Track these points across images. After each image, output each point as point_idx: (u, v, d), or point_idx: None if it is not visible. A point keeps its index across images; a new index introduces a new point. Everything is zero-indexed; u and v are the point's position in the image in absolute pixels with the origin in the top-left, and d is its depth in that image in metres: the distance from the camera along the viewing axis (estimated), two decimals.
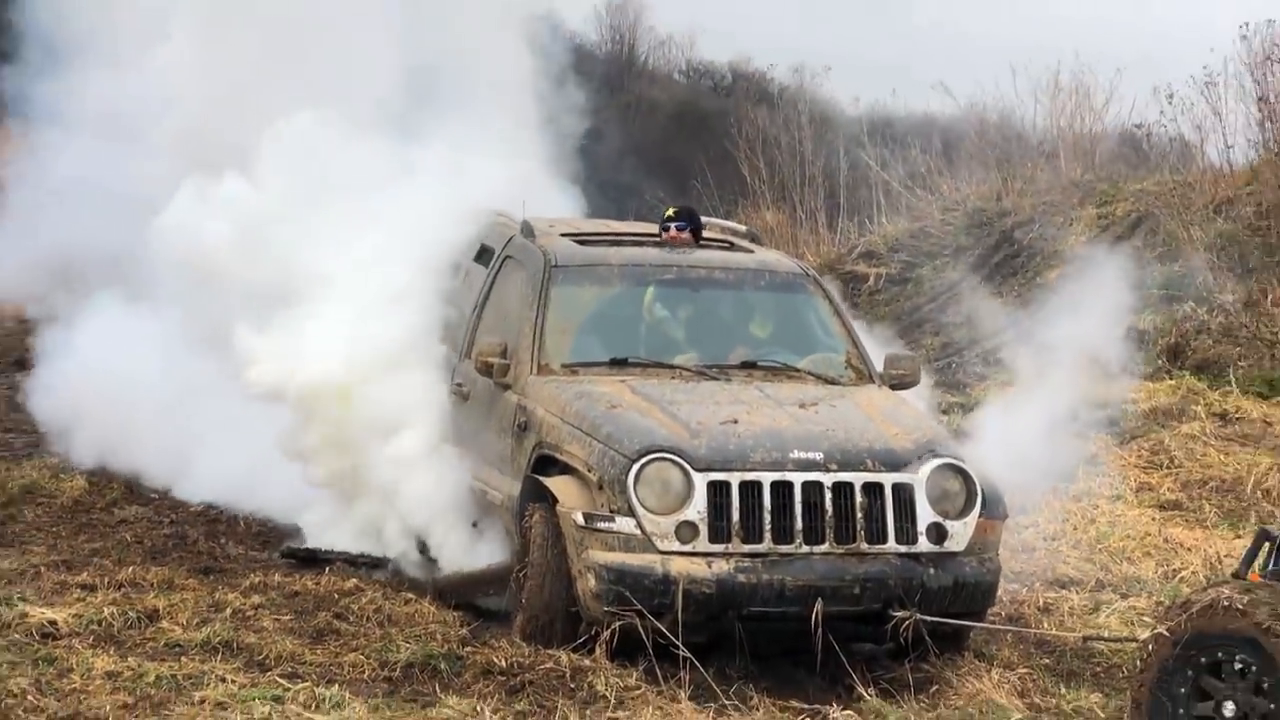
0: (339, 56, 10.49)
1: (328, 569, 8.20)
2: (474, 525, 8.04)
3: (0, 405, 13.26)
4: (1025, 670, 6.77)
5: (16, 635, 6.43)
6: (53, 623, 6.63)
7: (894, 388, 7.67)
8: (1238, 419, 11.72)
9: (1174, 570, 8.60)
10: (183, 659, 6.29)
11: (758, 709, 6.02)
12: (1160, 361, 12.35)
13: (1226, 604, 5.57)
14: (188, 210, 9.02)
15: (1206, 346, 12.61)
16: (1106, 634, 7.30)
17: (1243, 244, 13.32)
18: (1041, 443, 9.09)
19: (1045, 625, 7.58)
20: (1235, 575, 6.06)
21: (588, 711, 5.89)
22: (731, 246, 8.54)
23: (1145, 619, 7.19)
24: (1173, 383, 12.15)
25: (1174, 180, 14.25)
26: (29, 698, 5.61)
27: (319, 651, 6.64)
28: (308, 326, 8.31)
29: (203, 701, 5.71)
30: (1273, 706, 5.28)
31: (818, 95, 15.81)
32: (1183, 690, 5.52)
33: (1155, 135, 15.83)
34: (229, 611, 7.16)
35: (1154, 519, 9.66)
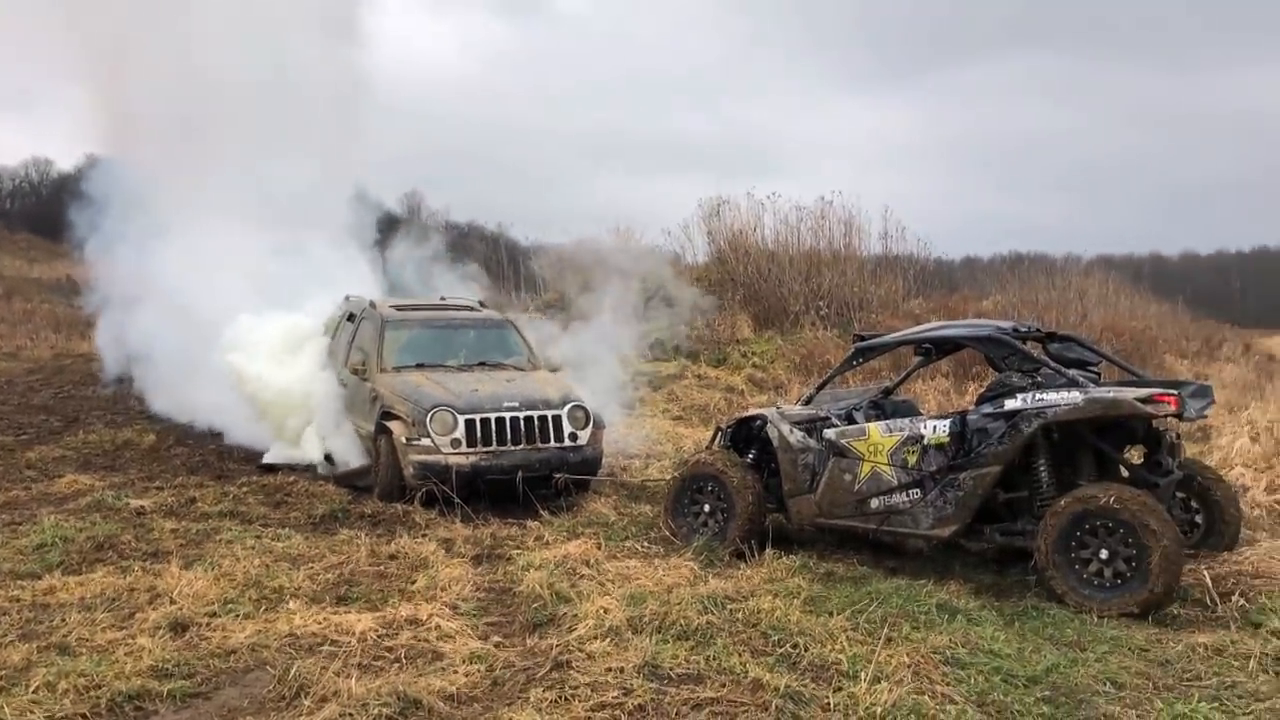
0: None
1: (280, 472, 10.79)
2: (326, 458, 10.99)
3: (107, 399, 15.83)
4: (617, 498, 9.83)
5: (125, 514, 8.95)
6: (142, 507, 9.16)
7: (550, 371, 10.81)
8: (705, 377, 16.27)
9: (680, 448, 12.01)
10: (209, 521, 8.84)
11: (493, 523, 8.85)
12: (671, 352, 17.78)
13: (703, 460, 8.33)
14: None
15: (691, 344, 17.52)
16: (653, 478, 10.45)
17: (703, 300, 19.60)
18: (618, 393, 12.70)
19: (625, 475, 10.66)
20: (706, 448, 9.04)
21: (412, 531, 8.53)
22: (473, 308, 11.72)
23: (669, 470, 10.28)
24: (676, 362, 17.29)
25: (676, 268, 21.30)
26: (133, 542, 8.03)
27: (278, 513, 9.31)
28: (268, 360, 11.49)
29: (221, 540, 8.13)
30: (724, 504, 8.01)
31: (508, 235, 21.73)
32: (686, 500, 8.32)
33: (664, 248, 22.90)
34: (232, 496, 9.71)
35: (671, 425, 13.33)
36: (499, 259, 19.00)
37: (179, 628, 6.02)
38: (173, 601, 6.45)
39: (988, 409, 7.08)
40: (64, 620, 6.10)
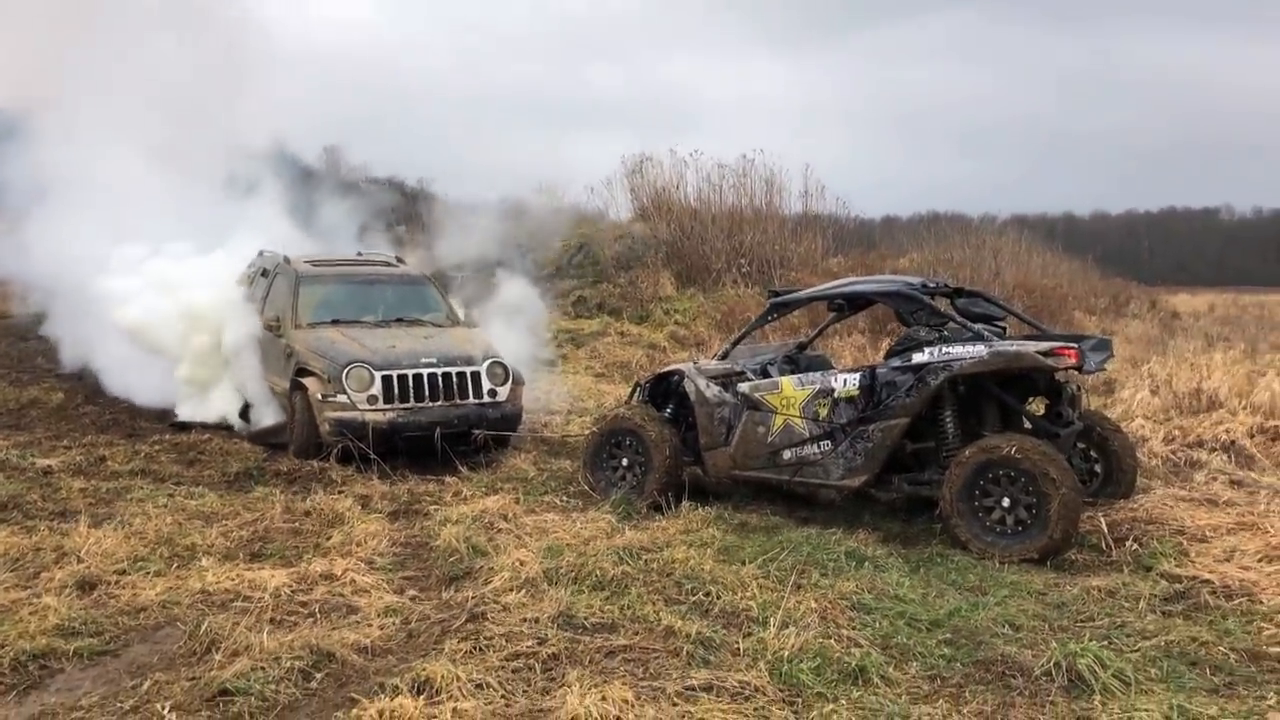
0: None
1: (193, 430, 10.69)
2: (240, 415, 10.93)
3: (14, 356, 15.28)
4: (537, 453, 9.88)
5: (30, 474, 8.73)
6: (49, 466, 8.96)
7: (469, 328, 10.71)
8: (627, 334, 16.41)
9: (602, 404, 12.06)
10: (119, 479, 8.70)
11: (411, 479, 8.82)
12: (593, 310, 17.89)
13: (621, 415, 8.38)
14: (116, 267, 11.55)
15: (614, 301, 17.69)
16: (573, 434, 10.47)
17: (626, 257, 20.05)
18: (539, 350, 12.81)
19: (545, 431, 10.70)
20: (625, 403, 9.14)
21: (328, 488, 8.45)
22: (391, 264, 11.59)
23: (588, 425, 10.22)
24: (599, 319, 17.36)
25: (596, 227, 21.72)
26: (39, 502, 7.85)
27: (191, 471, 9.17)
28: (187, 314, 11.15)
29: (132, 499, 8.02)
30: (641, 458, 8.04)
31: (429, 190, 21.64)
32: (605, 455, 8.37)
33: (583, 208, 23.33)
34: (143, 454, 9.57)
35: (593, 381, 13.48)
36: (419, 215, 18.77)
37: (86, 586, 5.93)
38: (80, 560, 6.34)
39: (896, 363, 7.24)
40: None
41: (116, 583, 6.01)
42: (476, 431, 9.53)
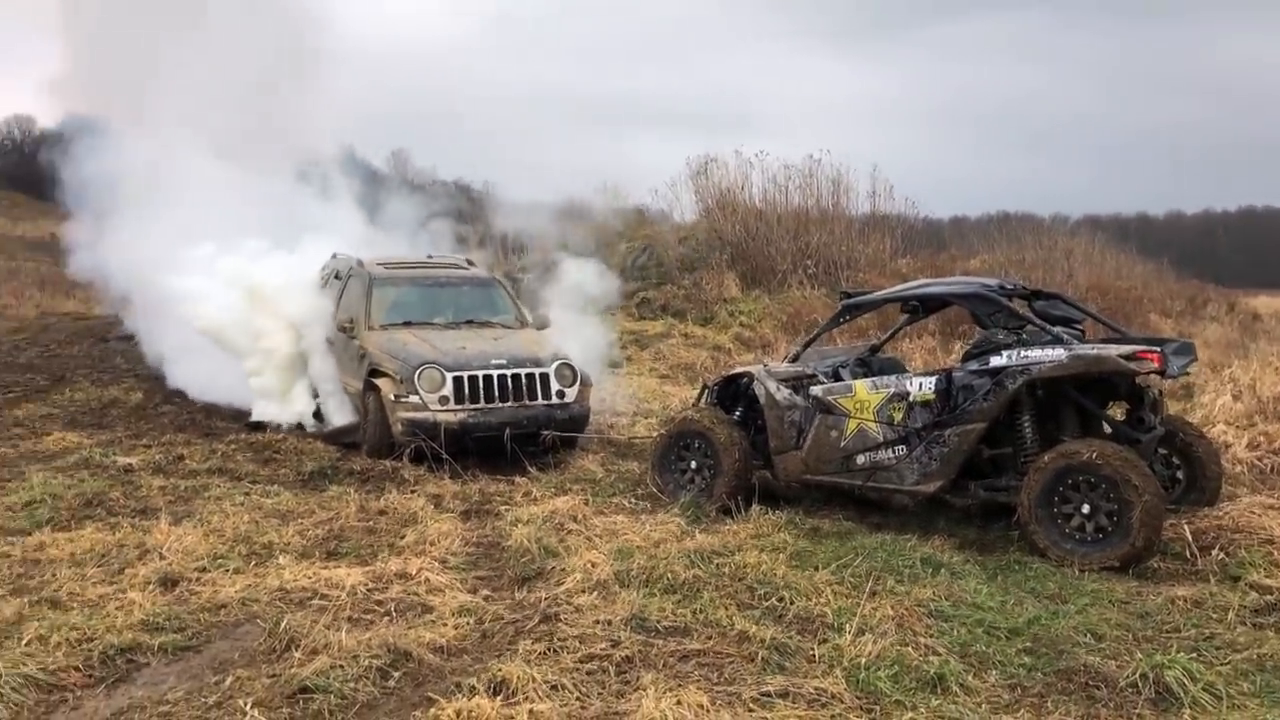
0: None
1: (268, 430, 10.86)
2: (314, 415, 11.13)
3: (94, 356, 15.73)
4: (604, 454, 9.90)
5: (112, 471, 8.98)
6: (129, 465, 9.19)
7: (538, 329, 10.78)
8: (691, 336, 16.30)
9: (667, 405, 12.05)
10: (197, 478, 8.89)
11: (482, 479, 8.86)
12: (658, 311, 17.88)
13: (690, 418, 8.36)
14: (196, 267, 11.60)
15: (678, 303, 17.54)
16: (640, 435, 10.46)
17: (691, 259, 20.11)
18: (606, 350, 12.71)
19: (612, 432, 10.74)
20: (693, 405, 9.05)
21: (401, 487, 8.52)
22: (461, 266, 11.71)
23: (655, 427, 10.34)
24: (663, 321, 17.39)
25: (660, 228, 21.90)
26: (121, 499, 8.06)
27: (266, 470, 9.32)
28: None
29: (209, 497, 8.19)
30: (710, 461, 8.03)
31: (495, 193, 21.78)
32: (673, 457, 8.33)
33: (650, 210, 23.79)
34: (219, 453, 9.75)
35: (658, 383, 13.47)
36: (485, 217, 18.97)
37: (169, 583, 6.04)
38: (162, 557, 6.47)
39: (973, 366, 7.14)
40: (55, 575, 6.14)
41: (197, 579, 6.12)
42: (545, 432, 9.57)
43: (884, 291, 8.69)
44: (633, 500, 8.24)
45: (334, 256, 11.98)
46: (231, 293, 11.21)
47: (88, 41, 15.47)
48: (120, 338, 16.20)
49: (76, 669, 4.83)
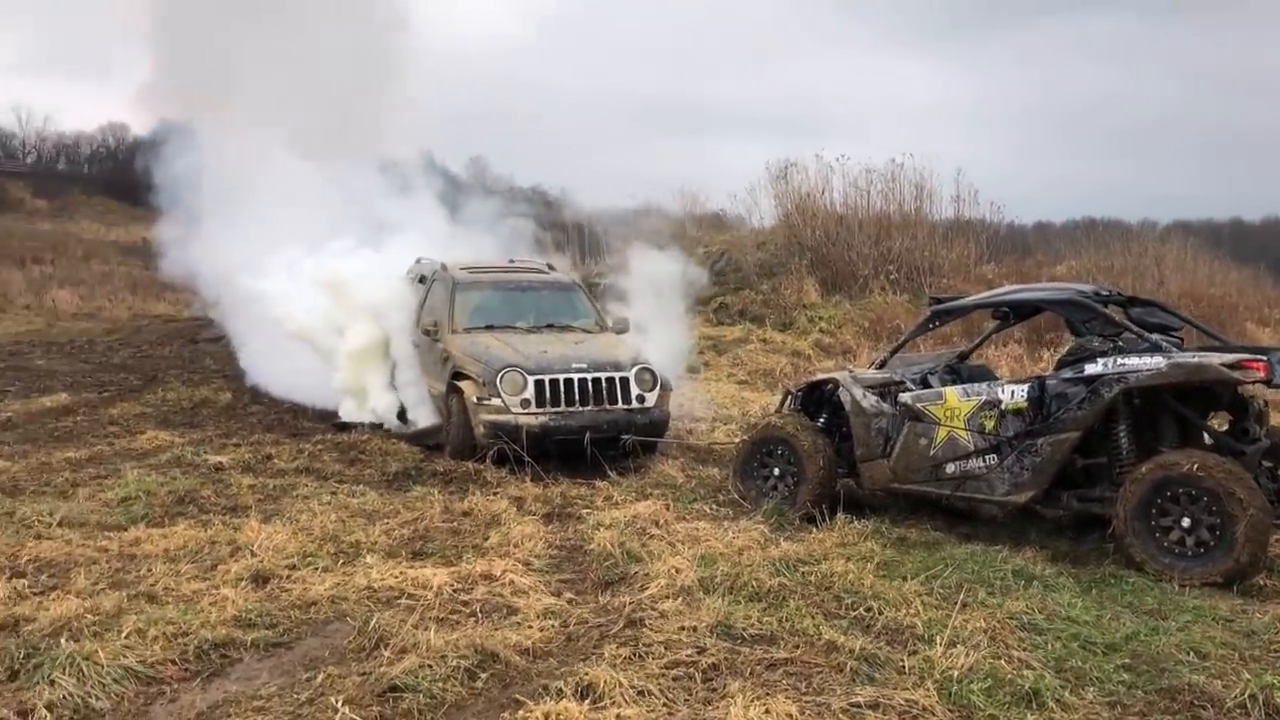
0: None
1: (353, 430, 11.06)
2: (399, 416, 11.29)
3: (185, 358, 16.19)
4: (684, 460, 9.89)
5: (203, 470, 9.19)
6: (220, 463, 9.41)
7: (617, 333, 10.85)
8: (770, 342, 16.09)
9: (747, 411, 11.99)
10: (285, 477, 9.06)
11: (563, 482, 8.88)
12: (735, 317, 17.87)
13: (773, 424, 8.32)
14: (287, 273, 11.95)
15: (756, 308, 17.34)
16: (720, 441, 10.47)
17: (769, 264, 20.13)
18: (684, 356, 12.73)
19: (691, 438, 10.70)
20: (776, 412, 9.04)
21: (484, 489, 8.62)
22: (542, 270, 11.83)
23: (735, 433, 10.35)
24: (741, 326, 17.40)
25: (738, 233, 22.00)
26: (212, 497, 8.25)
27: (352, 470, 9.49)
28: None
29: (297, 496, 8.35)
30: (794, 469, 7.95)
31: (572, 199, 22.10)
32: (755, 464, 8.27)
33: (727, 213, 24.02)
34: (307, 453, 9.93)
35: (736, 389, 13.34)
36: (564, 223, 19.11)
37: (260, 579, 6.15)
38: (253, 554, 6.58)
39: (1067, 374, 6.97)
40: (150, 570, 6.27)
41: (287, 577, 6.21)
42: (625, 436, 9.58)
43: (974, 297, 8.52)
44: (714, 506, 8.19)
45: (418, 261, 12.13)
46: (320, 295, 11.39)
47: (176, 46, 15.88)
48: (210, 339, 16.57)
49: (173, 662, 4.91)
